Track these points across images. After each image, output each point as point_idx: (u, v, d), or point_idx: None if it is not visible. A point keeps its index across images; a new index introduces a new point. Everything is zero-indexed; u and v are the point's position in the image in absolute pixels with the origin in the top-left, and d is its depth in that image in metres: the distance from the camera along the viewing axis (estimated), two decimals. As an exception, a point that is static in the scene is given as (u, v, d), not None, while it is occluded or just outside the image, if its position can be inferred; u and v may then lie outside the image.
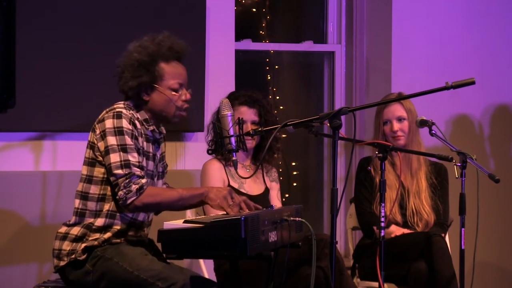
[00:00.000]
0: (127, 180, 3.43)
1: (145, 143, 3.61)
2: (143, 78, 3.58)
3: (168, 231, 3.16)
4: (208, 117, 4.86)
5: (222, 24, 5.12)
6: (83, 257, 3.52)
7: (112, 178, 3.48)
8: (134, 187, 3.42)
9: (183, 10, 4.93)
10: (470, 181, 4.04)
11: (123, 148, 3.48)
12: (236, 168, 3.59)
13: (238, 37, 5.32)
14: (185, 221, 3.19)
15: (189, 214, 4.31)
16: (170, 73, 3.63)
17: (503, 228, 5.60)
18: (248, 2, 5.60)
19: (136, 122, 3.57)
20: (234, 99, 4.29)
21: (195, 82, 4.96)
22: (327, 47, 5.70)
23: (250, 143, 4.28)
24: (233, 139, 3.54)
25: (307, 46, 5.66)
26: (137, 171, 3.47)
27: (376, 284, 4.06)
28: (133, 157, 3.48)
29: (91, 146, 3.58)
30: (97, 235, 3.55)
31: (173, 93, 3.63)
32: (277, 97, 5.67)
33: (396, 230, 4.44)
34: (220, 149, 3.60)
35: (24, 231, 4.66)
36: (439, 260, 4.19)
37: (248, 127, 4.25)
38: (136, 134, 3.54)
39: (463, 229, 3.95)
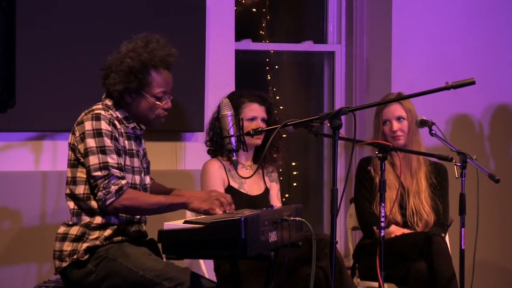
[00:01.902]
0: (106, 181, 3.45)
1: (126, 141, 3.63)
2: (131, 84, 3.60)
3: (168, 232, 3.15)
4: (208, 117, 4.86)
5: (222, 24, 5.12)
6: (86, 257, 3.51)
7: (91, 180, 3.49)
8: (113, 188, 3.44)
9: (183, 10, 4.93)
10: (470, 181, 4.04)
11: (102, 150, 3.49)
12: (236, 168, 3.59)
13: (238, 37, 5.32)
14: (185, 222, 3.19)
15: (189, 214, 4.31)
16: (157, 82, 3.64)
17: (503, 228, 5.60)
18: (248, 2, 5.60)
19: (116, 122, 3.59)
20: (240, 96, 4.29)
21: (195, 82, 4.97)
22: (327, 47, 5.70)
23: (259, 138, 4.26)
24: (233, 139, 3.54)
25: (307, 46, 5.66)
26: (116, 172, 3.48)
27: (376, 284, 4.06)
28: (112, 159, 3.49)
29: (72, 148, 3.60)
30: (96, 233, 3.54)
31: (157, 102, 3.65)
32: (277, 97, 5.67)
33: (396, 230, 4.44)
34: (220, 149, 3.60)
35: (24, 231, 4.66)
36: (439, 260, 4.19)
37: (259, 124, 4.25)
38: (116, 135, 3.56)
39: (463, 229, 3.95)
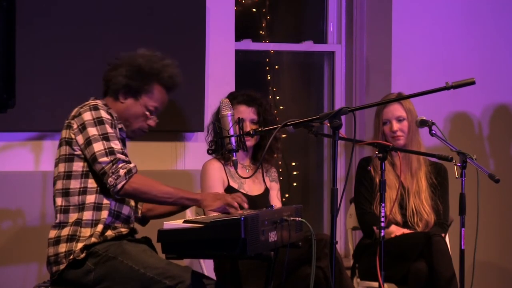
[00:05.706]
0: (114, 166, 3.43)
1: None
2: (133, 82, 3.64)
3: (168, 231, 3.16)
4: (208, 117, 4.87)
5: (222, 24, 5.12)
6: (82, 255, 3.47)
7: (98, 167, 3.46)
8: (122, 172, 3.43)
9: (183, 10, 4.93)
10: (470, 181, 4.04)
11: (105, 137, 3.49)
12: (236, 168, 3.59)
13: (238, 37, 5.32)
14: (185, 221, 3.19)
15: (189, 214, 4.32)
16: (156, 96, 3.69)
17: (503, 228, 5.60)
18: (248, 2, 5.60)
19: (112, 113, 3.62)
20: (232, 98, 4.29)
21: (195, 82, 4.97)
22: (327, 47, 5.70)
23: (249, 141, 4.27)
24: (233, 139, 3.54)
25: (307, 46, 5.66)
26: (122, 156, 3.48)
27: (376, 284, 4.06)
28: (116, 145, 3.50)
29: (67, 142, 3.56)
30: (88, 230, 3.52)
31: (147, 112, 3.69)
32: (277, 97, 5.67)
33: (396, 230, 4.44)
34: (220, 149, 3.60)
35: (24, 231, 4.66)
36: (439, 260, 4.19)
37: (247, 125, 4.25)
38: (115, 124, 3.59)
39: (463, 229, 3.95)
